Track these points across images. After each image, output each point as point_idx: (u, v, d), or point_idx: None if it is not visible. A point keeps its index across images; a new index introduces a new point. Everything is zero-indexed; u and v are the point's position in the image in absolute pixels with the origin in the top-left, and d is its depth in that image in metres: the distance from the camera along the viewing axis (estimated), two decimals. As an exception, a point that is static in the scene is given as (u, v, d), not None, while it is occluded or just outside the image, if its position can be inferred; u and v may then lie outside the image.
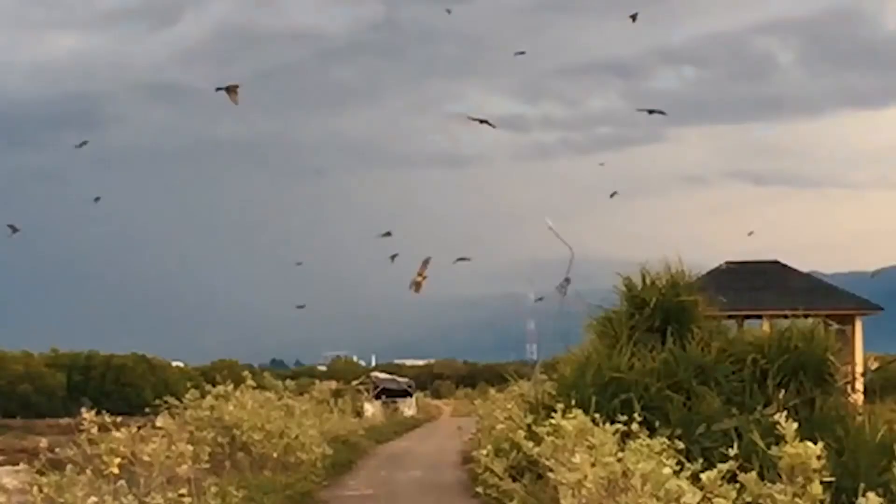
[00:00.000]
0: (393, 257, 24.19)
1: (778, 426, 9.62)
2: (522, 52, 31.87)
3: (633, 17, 27.49)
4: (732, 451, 10.61)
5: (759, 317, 35.92)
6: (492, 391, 38.10)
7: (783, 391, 20.79)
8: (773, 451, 9.51)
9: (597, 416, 17.20)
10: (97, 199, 27.64)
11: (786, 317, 22.63)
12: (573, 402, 18.04)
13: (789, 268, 62.52)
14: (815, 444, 9.88)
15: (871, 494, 9.12)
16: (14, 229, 25.15)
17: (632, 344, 21.38)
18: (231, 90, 19.93)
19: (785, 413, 14.22)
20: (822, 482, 9.18)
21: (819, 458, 9.19)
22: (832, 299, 44.27)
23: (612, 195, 30.68)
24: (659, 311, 21.89)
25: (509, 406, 25.85)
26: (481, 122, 26.73)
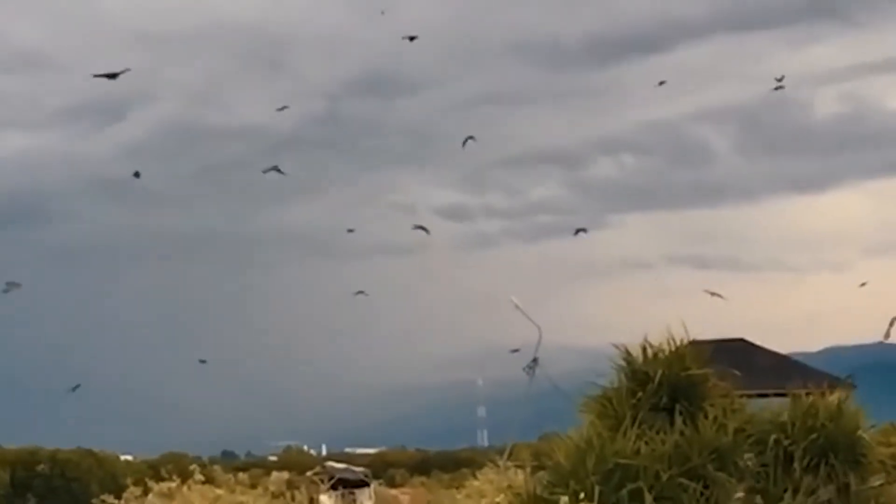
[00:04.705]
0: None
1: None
2: (471, 138, 30.77)
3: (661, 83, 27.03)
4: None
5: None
6: (474, 482, 35.47)
7: (812, 476, 18.26)
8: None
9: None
10: (136, 174, 26.75)
11: (761, 395, 21.00)
12: (580, 496, 15.43)
13: (756, 346, 60.51)
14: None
15: None
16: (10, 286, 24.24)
17: (636, 425, 18.65)
18: None
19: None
20: None
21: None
22: (803, 377, 42.30)
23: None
24: (665, 386, 19.18)
25: (498, 499, 23.09)
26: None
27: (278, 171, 24.97)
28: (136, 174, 29.56)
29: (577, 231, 31.04)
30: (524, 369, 33.22)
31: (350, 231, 36.62)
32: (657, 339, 20.17)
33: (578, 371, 23.25)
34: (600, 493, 16.97)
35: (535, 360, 34.18)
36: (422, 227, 29.36)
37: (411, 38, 31.19)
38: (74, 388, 30.92)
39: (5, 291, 24.94)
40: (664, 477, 17.87)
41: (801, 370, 46.43)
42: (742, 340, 60.44)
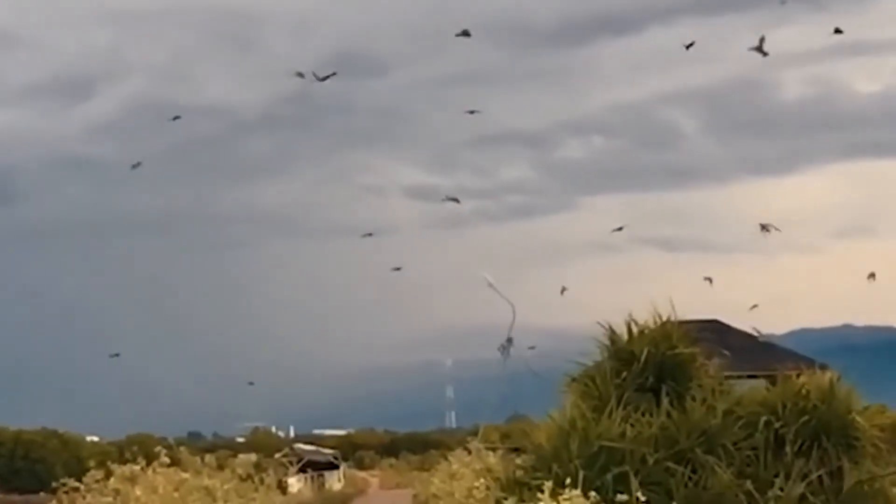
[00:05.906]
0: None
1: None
2: (476, 111, 30.14)
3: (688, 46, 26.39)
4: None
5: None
6: (452, 464, 34.52)
7: (804, 460, 17.52)
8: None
9: (593, 494, 14.06)
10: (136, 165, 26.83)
11: (754, 376, 21.20)
12: (569, 480, 14.66)
13: (730, 327, 59.84)
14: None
15: None
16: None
17: (621, 406, 17.85)
18: None
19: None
20: None
21: None
22: (776, 358, 41.74)
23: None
24: (651, 366, 18.36)
25: (477, 484, 22.20)
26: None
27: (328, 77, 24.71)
28: (177, 117, 29.96)
29: (615, 230, 30.36)
30: (499, 349, 32.44)
31: (368, 235, 35.44)
32: (641, 317, 19.38)
33: (549, 352, 22.52)
34: (584, 477, 16.18)
35: (509, 340, 33.40)
36: (454, 199, 28.80)
37: (464, 34, 29.83)
38: (113, 356, 30.61)
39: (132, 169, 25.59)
40: (650, 460, 17.13)
41: (778, 352, 45.52)
42: (717, 321, 59.65)
